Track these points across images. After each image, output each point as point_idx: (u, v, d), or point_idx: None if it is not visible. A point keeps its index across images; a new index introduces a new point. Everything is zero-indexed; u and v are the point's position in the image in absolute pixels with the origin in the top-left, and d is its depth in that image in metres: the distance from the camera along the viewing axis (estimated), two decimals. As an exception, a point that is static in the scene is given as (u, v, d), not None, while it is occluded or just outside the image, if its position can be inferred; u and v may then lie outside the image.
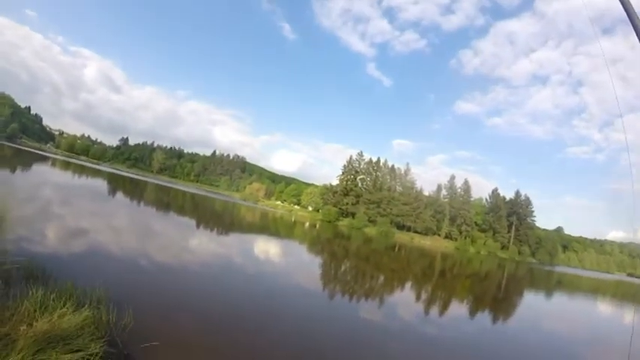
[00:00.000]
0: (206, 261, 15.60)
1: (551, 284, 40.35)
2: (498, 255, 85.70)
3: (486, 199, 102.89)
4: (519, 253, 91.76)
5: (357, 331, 10.33)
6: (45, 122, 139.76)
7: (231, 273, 14.19)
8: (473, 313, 17.00)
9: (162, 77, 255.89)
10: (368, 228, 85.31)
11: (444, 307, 16.96)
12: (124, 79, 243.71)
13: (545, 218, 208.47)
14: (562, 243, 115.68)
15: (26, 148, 72.74)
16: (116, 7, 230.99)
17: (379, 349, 9.10)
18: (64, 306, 5.29)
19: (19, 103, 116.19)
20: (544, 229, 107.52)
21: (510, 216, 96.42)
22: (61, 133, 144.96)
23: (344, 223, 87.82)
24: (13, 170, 32.29)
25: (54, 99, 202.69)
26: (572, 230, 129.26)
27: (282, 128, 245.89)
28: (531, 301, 25.21)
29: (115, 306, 6.33)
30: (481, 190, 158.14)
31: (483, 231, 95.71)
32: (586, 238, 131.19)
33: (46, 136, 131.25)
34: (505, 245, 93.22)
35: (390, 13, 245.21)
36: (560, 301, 29.18)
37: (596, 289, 43.87)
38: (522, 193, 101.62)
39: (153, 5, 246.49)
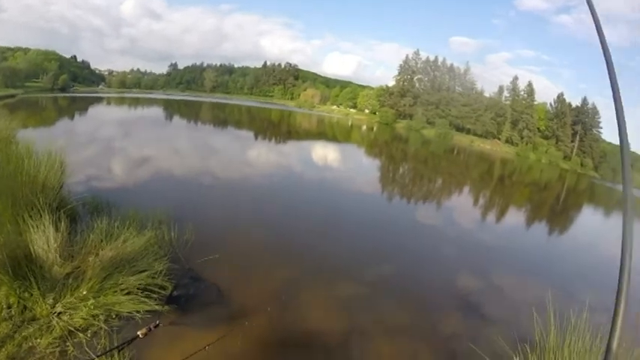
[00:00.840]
0: (265, 172, 16.09)
1: (611, 203, 38.80)
2: (560, 165, 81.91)
3: (551, 104, 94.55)
4: (582, 165, 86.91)
5: (413, 236, 10.85)
6: (93, 65, 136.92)
7: (290, 182, 14.62)
8: (529, 224, 17.05)
9: None
10: (426, 130, 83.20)
11: (501, 216, 17.14)
12: (164, 6, 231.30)
13: (612, 132, 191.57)
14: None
15: (80, 95, 73.60)
16: None
17: (435, 254, 9.56)
18: (127, 231, 5.51)
19: (64, 55, 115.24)
20: (610, 143, 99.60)
21: (575, 124, 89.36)
22: (111, 72, 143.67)
23: (402, 125, 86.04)
24: (72, 117, 32.86)
25: (97, 42, 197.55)
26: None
27: (334, 30, 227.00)
28: (589, 219, 24.66)
29: (176, 224, 6.56)
30: (546, 94, 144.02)
31: (546, 138, 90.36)
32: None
33: (96, 78, 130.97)
34: (567, 155, 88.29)
35: None
36: (619, 223, 28.17)
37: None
38: (590, 101, 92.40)
39: None
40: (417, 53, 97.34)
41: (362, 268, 7.40)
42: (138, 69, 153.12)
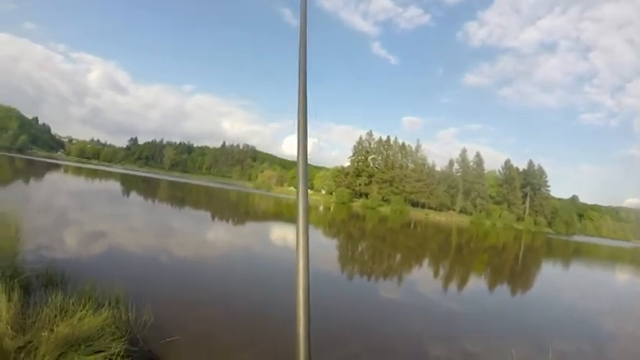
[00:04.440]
0: (223, 252, 15.83)
1: (568, 254, 40.18)
2: (514, 227, 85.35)
3: (499, 171, 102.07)
4: (535, 223, 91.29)
5: (379, 309, 10.57)
6: (53, 131, 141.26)
7: (249, 263, 14.32)
8: (492, 286, 17.18)
9: (167, 74, 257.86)
10: (382, 207, 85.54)
11: (463, 282, 17.14)
12: (128, 80, 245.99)
13: (559, 188, 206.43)
14: (578, 212, 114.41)
15: (37, 158, 73.91)
16: (113, 10, 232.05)
17: (404, 324, 9.32)
18: (83, 308, 5.28)
19: (26, 115, 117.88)
20: (559, 199, 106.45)
21: (524, 187, 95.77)
22: (70, 140, 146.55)
23: (358, 204, 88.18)
24: (27, 181, 32.68)
25: (60, 107, 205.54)
26: (587, 199, 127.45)
27: (292, 113, 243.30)
28: (550, 273, 25.27)
29: (134, 303, 6.29)
30: (494, 163, 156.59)
31: (498, 203, 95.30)
32: (601, 206, 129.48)
33: (55, 144, 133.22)
34: (521, 217, 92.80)
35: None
36: (579, 270, 29.14)
37: (614, 258, 43.57)
38: (536, 163, 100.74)
39: (148, 5, 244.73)
40: (369, 134, 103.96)
41: (329, 347, 7.01)
42: (98, 140, 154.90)
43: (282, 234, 24.05)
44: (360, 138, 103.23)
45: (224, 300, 8.93)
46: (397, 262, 20.37)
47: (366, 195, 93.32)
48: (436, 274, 18.48)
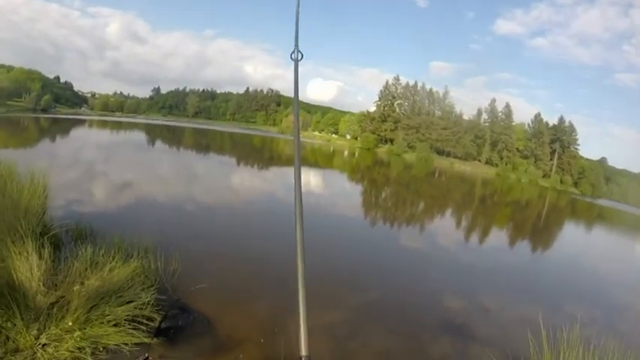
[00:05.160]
0: (248, 198, 16.04)
1: (592, 217, 39.56)
2: (539, 183, 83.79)
3: (529, 125, 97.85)
4: (561, 182, 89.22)
5: (397, 259, 10.81)
6: (76, 87, 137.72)
7: (275, 209, 14.40)
8: (512, 242, 17.28)
9: (187, 20, 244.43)
10: (407, 154, 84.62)
11: (484, 235, 17.29)
12: (148, 29, 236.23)
13: (589, 148, 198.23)
14: (605, 175, 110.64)
15: (62, 116, 73.54)
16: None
17: (419, 276, 9.55)
18: (113, 260, 5.35)
19: (47, 75, 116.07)
20: (587, 159, 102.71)
21: (553, 143, 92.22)
22: (93, 95, 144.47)
23: (383, 150, 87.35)
24: (53, 139, 32.86)
25: (81, 63, 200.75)
26: (616, 162, 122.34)
27: (315, 56, 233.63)
28: (571, 234, 25.11)
29: (162, 253, 6.38)
30: (524, 115, 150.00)
31: (525, 157, 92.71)
32: (630, 172, 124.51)
33: (79, 100, 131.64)
34: (547, 173, 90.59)
35: None
36: (600, 235, 28.84)
37: (638, 226, 42.73)
38: (567, 119, 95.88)
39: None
40: (397, 78, 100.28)
41: (351, 293, 7.28)
42: (121, 92, 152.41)
43: (306, 179, 24.23)
44: (387, 82, 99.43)
45: (244, 246, 9.06)
46: (420, 211, 20.56)
47: (392, 141, 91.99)
48: (458, 225, 18.64)
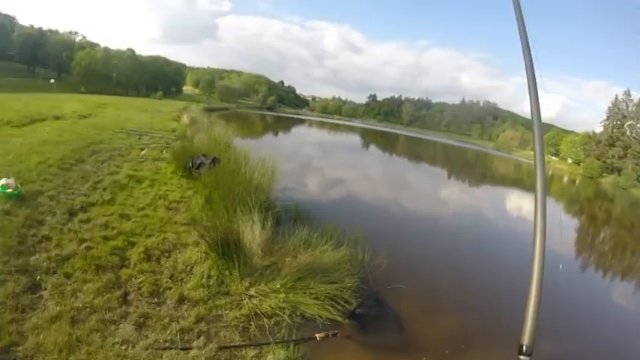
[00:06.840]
0: (456, 212, 15.62)
1: None
2: None
3: None
4: None
5: (614, 315, 8.56)
6: (298, 91, 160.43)
7: (480, 228, 13.69)
8: None
9: (400, 31, 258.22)
10: (637, 188, 67.77)
11: None
12: (363, 40, 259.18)
13: None
14: None
15: (284, 114, 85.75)
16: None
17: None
18: (325, 244, 6.00)
19: (273, 80, 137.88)
20: None
21: None
22: (314, 98, 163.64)
23: (608, 180, 71.68)
24: (276, 133, 37.88)
25: (303, 70, 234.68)
26: None
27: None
28: None
29: (370, 247, 6.64)
30: None
31: None
32: None
33: (300, 102, 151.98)
34: None
35: None
36: None
37: None
38: None
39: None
40: (627, 93, 79.66)
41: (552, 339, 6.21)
42: (339, 97, 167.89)
43: (518, 203, 21.99)
44: (616, 98, 79.72)
45: (449, 259, 8.83)
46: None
47: (619, 170, 74.98)
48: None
